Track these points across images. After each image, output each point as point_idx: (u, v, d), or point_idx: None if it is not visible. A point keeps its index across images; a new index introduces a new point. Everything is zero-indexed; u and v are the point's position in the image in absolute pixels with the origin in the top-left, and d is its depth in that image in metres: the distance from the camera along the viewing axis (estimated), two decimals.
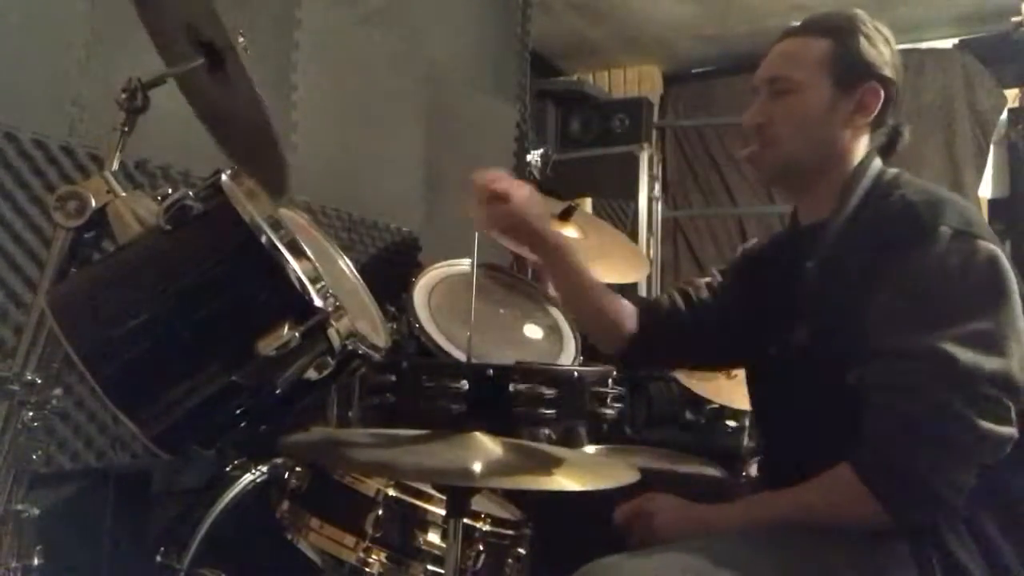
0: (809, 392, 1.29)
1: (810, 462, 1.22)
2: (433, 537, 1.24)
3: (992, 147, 4.18)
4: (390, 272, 2.58)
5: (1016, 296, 1.16)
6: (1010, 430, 1.12)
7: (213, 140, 1.39)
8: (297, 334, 1.02)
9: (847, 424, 1.19)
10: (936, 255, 1.15)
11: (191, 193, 1.07)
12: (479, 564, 1.24)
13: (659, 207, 4.69)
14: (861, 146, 1.35)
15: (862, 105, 1.32)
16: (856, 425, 1.17)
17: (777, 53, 1.37)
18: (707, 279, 1.63)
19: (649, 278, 4.33)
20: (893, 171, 1.34)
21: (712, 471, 1.83)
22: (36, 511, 1.20)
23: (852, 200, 1.30)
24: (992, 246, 1.17)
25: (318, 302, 1.04)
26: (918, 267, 1.16)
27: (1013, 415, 1.12)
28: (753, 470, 1.61)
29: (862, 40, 1.31)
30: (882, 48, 1.33)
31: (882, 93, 1.32)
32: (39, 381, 1.18)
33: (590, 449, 1.94)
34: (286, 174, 1.32)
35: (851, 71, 1.31)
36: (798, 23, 1.38)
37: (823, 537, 1.15)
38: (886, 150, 1.41)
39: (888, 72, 1.33)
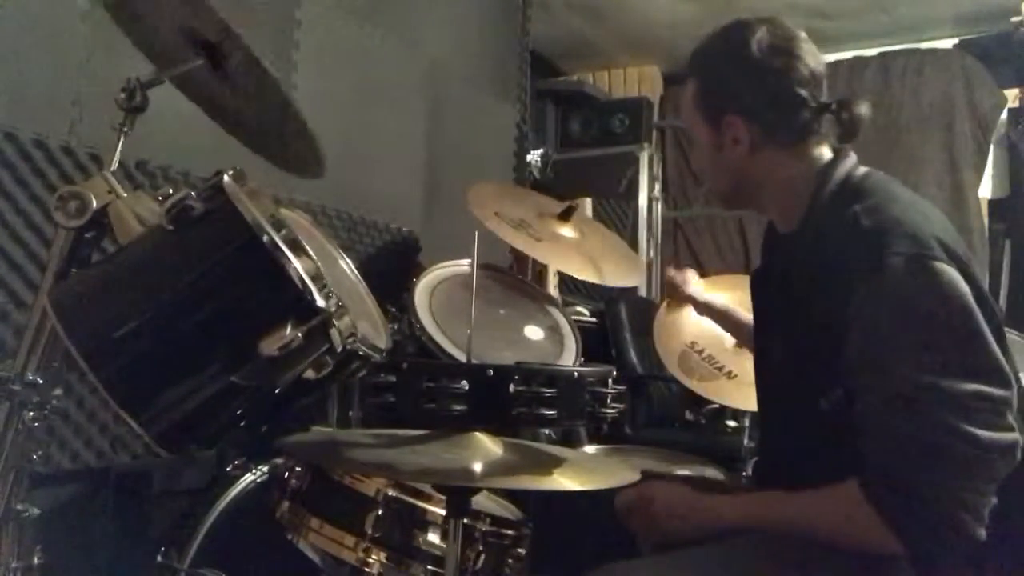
0: (785, 402, 1.31)
1: (792, 469, 1.23)
2: (433, 537, 1.24)
3: (992, 147, 4.16)
4: (390, 272, 2.58)
5: (973, 312, 1.11)
6: (1013, 435, 1.08)
7: (232, 137, 1.39)
8: (299, 334, 1.02)
9: (822, 435, 1.19)
10: (890, 288, 1.11)
11: (193, 193, 1.07)
12: (479, 564, 1.24)
13: (659, 207, 4.69)
14: (791, 158, 1.27)
15: (734, 139, 1.27)
16: (837, 440, 1.15)
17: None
18: None
19: (649, 279, 4.32)
20: (861, 173, 1.27)
21: (712, 471, 1.83)
22: (36, 511, 1.20)
23: (815, 212, 1.26)
24: (945, 266, 1.11)
25: (320, 302, 1.04)
26: (875, 301, 1.12)
27: (1011, 420, 1.08)
28: None
29: (720, 68, 1.29)
30: (740, 65, 1.25)
31: (741, 122, 1.25)
32: (40, 381, 1.18)
33: (590, 449, 1.94)
34: (318, 149, 1.31)
35: (712, 108, 1.29)
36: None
37: (837, 555, 1.13)
38: (844, 133, 1.28)
39: (748, 97, 1.25)
